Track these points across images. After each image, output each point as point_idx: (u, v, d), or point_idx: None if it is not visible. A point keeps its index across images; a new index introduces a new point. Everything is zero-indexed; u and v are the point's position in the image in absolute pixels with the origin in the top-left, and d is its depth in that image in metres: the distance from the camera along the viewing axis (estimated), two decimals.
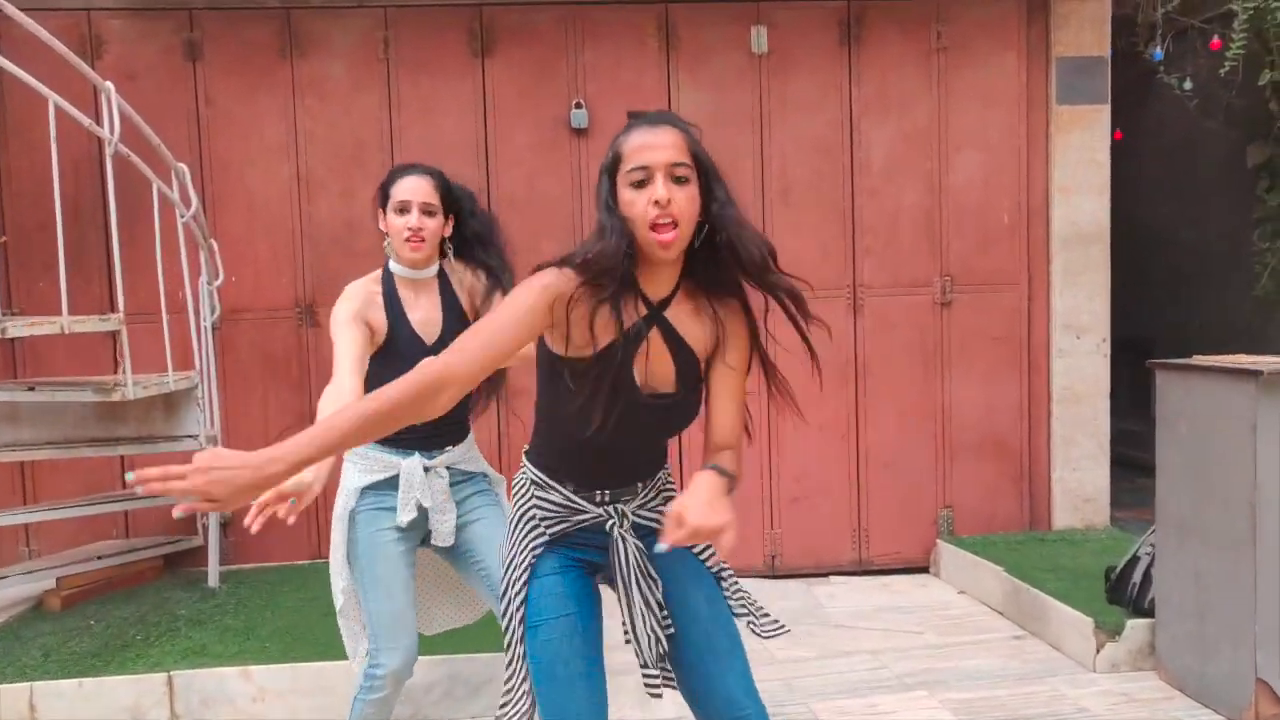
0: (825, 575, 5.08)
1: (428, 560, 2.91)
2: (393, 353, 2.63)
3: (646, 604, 1.99)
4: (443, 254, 2.77)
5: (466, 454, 2.80)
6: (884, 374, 5.04)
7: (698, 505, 1.69)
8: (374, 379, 2.53)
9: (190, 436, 4.26)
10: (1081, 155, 5.04)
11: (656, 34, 4.89)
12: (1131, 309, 6.34)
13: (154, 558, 4.68)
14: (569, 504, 2.01)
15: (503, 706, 2.02)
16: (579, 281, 1.81)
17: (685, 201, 1.80)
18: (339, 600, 2.75)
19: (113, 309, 4.19)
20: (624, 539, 1.99)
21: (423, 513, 2.70)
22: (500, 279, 2.76)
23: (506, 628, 2.03)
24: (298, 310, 4.84)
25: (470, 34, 4.81)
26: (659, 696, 2.07)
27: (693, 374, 1.94)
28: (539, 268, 1.86)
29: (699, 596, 2.05)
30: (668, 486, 2.12)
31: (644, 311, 1.88)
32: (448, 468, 2.73)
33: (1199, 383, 3.60)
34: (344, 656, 3.57)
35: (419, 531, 2.74)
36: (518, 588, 2.00)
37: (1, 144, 4.72)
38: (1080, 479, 5.13)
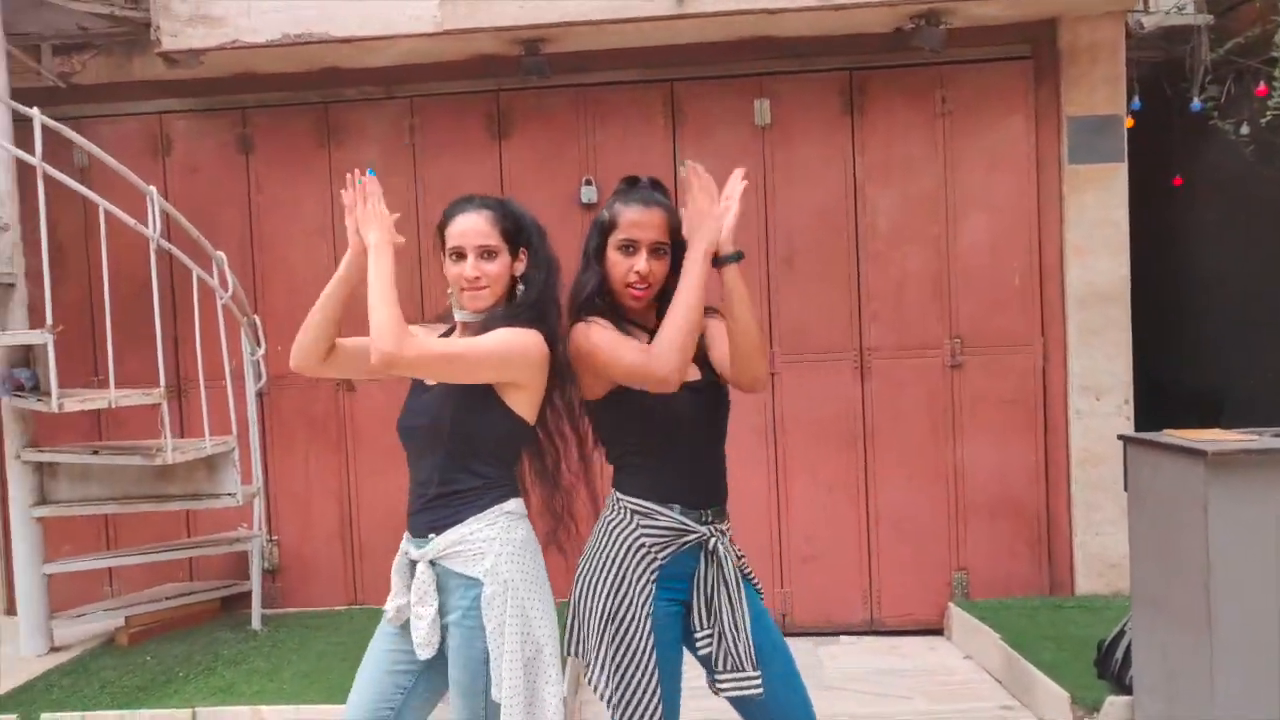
0: (835, 635, 5.11)
1: None
2: None
3: (745, 614, 2.32)
4: (512, 298, 2.34)
5: (458, 546, 2.23)
6: (893, 435, 5.06)
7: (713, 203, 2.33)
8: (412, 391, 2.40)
9: (228, 494, 4.71)
10: (1097, 214, 4.96)
11: (663, 110, 5.12)
12: (1198, 364, 6.10)
13: (211, 600, 5.17)
14: (679, 525, 2.34)
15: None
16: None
17: (659, 271, 2.38)
18: None
19: (177, 382, 4.80)
20: (726, 556, 2.36)
21: None
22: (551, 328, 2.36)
23: (623, 646, 2.26)
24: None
25: (488, 118, 5.17)
26: (760, 694, 2.32)
27: (704, 360, 2.42)
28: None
29: (773, 630, 2.44)
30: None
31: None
32: (432, 562, 2.24)
33: (1162, 458, 3.52)
34: None
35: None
36: (645, 612, 2.27)
37: (88, 236, 5.15)
38: (1103, 543, 4.99)
